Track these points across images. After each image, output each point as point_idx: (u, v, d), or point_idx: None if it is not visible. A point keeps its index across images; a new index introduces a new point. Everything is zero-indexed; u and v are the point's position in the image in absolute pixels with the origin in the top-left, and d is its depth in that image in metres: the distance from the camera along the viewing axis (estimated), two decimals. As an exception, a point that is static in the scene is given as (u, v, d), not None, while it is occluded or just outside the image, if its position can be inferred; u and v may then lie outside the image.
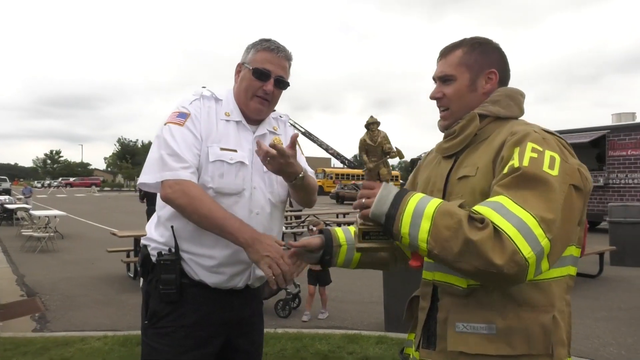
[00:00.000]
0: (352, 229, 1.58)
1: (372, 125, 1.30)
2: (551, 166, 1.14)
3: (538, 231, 1.07)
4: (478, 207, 1.14)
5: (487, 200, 1.16)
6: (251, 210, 1.68)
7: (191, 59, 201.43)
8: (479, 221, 1.10)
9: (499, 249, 1.06)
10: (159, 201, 1.65)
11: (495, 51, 1.40)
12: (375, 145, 1.29)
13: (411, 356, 1.46)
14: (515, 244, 1.06)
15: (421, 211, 1.16)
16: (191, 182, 1.56)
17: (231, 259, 1.63)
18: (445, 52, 1.41)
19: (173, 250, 1.62)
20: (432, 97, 1.42)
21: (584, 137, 13.52)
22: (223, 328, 1.69)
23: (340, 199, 32.00)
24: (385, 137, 1.30)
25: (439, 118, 1.44)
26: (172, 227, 1.62)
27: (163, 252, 1.62)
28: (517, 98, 1.37)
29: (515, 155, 1.17)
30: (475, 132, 1.33)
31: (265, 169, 1.64)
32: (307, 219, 13.20)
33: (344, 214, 12.98)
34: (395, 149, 1.29)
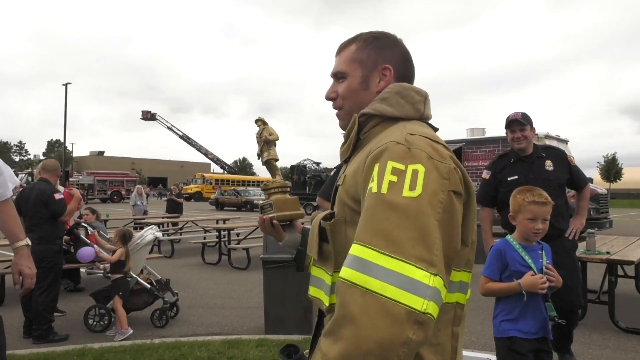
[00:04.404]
0: None
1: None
2: (412, 186, 0.91)
3: (420, 274, 0.85)
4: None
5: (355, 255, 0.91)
6: None
7: (51, 46, 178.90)
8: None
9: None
10: None
11: (392, 46, 1.22)
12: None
13: None
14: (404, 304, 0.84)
15: None
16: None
17: None
18: (341, 49, 1.25)
19: None
20: (327, 98, 1.25)
21: (444, 149, 15.13)
22: None
23: (219, 204, 31.46)
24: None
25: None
26: None
27: None
28: (409, 95, 1.13)
29: (375, 175, 0.95)
30: (359, 136, 1.15)
31: None
32: (185, 225, 12.82)
33: (224, 220, 12.73)
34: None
